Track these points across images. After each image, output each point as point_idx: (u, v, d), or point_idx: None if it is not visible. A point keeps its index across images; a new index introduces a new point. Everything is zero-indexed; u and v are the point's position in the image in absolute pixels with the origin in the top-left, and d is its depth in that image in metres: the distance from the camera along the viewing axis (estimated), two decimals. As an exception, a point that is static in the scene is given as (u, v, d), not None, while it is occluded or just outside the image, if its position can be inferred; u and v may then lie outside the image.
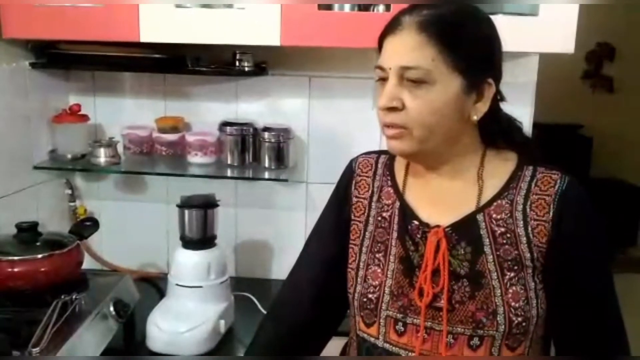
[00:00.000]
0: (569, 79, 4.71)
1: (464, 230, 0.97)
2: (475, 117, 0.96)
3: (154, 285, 1.82)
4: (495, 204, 0.97)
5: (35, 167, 1.72)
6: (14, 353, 1.08)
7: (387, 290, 1.01)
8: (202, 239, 1.52)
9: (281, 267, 1.89)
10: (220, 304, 1.50)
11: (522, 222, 0.95)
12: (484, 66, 0.95)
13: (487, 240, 0.96)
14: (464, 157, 1.00)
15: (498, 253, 0.95)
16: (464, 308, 0.95)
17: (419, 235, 1.00)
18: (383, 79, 0.95)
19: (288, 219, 1.89)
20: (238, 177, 1.79)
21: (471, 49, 0.93)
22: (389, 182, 1.07)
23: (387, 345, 1.01)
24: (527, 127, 1.73)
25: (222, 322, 1.47)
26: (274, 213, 1.90)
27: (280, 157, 1.75)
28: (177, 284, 1.49)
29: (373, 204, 1.07)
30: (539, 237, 0.94)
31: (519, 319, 0.93)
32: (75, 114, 1.77)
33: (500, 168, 1.00)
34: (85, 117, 1.80)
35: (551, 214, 0.94)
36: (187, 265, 1.49)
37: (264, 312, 1.68)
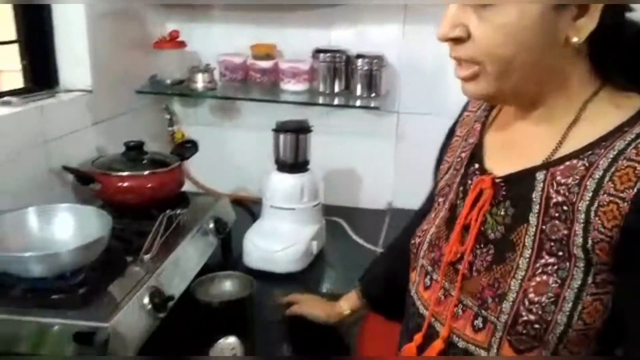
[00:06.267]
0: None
1: (515, 186, 0.77)
2: (576, 39, 0.70)
3: (247, 209, 1.90)
4: (567, 163, 0.73)
5: (138, 92, 1.79)
6: (127, 259, 1.17)
7: (428, 237, 0.89)
8: (295, 163, 1.55)
9: (369, 195, 1.91)
10: (312, 226, 1.55)
11: (590, 194, 0.69)
12: None
13: (537, 207, 0.74)
14: (564, 97, 0.76)
15: (543, 227, 0.73)
16: (478, 279, 0.78)
17: (470, 182, 0.84)
18: None
19: (378, 148, 1.89)
20: (329, 105, 1.80)
21: None
22: (482, 119, 0.91)
23: (415, 296, 0.90)
24: None
25: (315, 243, 1.52)
26: (364, 141, 1.90)
27: (372, 85, 1.74)
28: (272, 206, 1.54)
29: (463, 142, 0.93)
30: (604, 218, 0.68)
31: (531, 317, 0.71)
32: (173, 40, 1.82)
33: (606, 117, 0.73)
34: (183, 44, 1.85)
35: (635, 189, 0.66)
36: (281, 187, 1.54)
37: (354, 237, 1.72)
